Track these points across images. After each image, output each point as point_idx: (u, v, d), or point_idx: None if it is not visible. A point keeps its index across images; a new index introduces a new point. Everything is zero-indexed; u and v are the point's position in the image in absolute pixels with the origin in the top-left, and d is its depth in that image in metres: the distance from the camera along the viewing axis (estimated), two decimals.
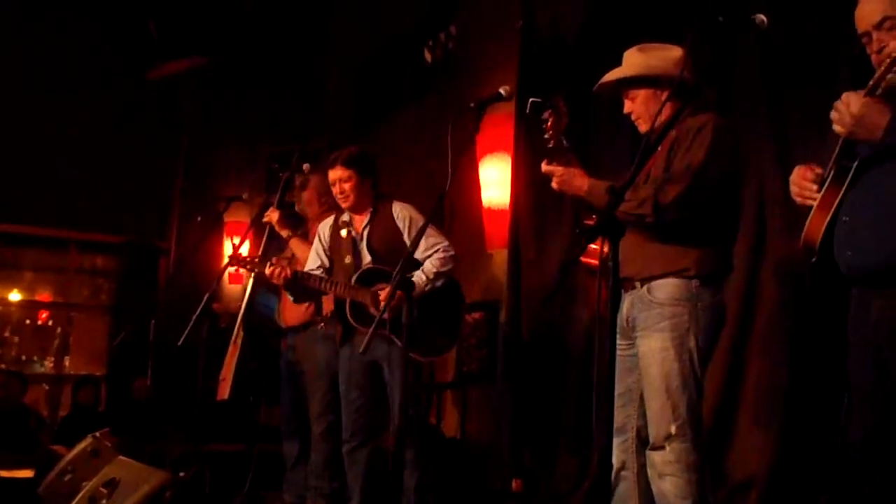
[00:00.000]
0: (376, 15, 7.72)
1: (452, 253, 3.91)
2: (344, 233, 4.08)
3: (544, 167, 2.85)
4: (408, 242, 3.92)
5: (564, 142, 2.84)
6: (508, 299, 5.46)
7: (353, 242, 4.04)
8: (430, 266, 3.87)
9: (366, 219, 4.04)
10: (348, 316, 3.90)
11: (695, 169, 2.67)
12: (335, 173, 3.99)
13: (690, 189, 2.65)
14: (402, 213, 4.00)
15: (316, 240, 4.20)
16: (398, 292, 3.73)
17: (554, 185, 2.83)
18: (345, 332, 3.97)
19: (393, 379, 3.83)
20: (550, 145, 2.85)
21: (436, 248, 3.90)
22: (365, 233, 4.02)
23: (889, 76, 2.10)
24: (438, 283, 3.87)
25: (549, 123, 2.85)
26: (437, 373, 6.15)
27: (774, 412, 3.75)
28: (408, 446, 3.78)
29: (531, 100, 2.90)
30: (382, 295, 3.82)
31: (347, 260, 4.03)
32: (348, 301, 3.90)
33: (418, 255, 3.89)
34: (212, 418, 4.60)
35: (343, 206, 4.04)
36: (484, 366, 5.78)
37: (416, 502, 3.82)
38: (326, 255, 4.13)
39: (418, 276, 3.83)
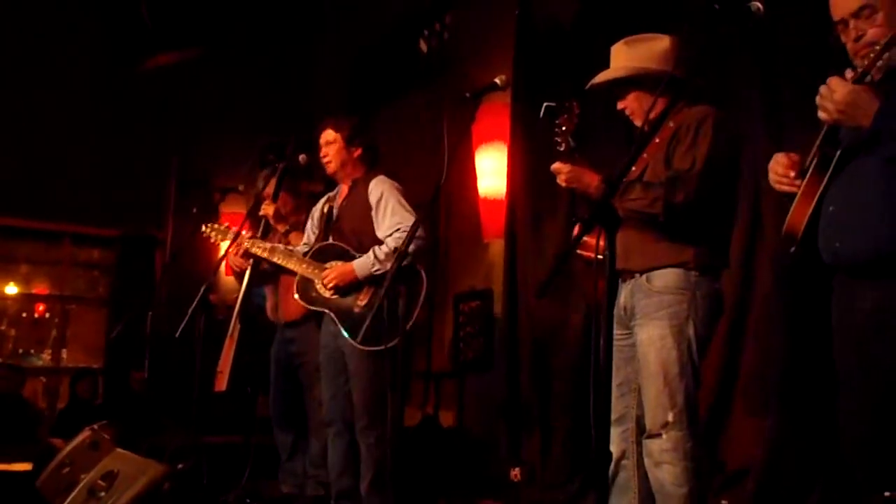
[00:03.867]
0: (372, 5, 7.69)
1: (414, 233, 3.31)
2: (326, 208, 4.02)
3: (553, 166, 2.84)
4: (375, 220, 3.78)
5: (572, 141, 2.83)
6: (505, 288, 5.47)
7: (329, 217, 3.96)
8: (383, 247, 3.70)
9: (346, 193, 3.96)
10: (295, 290, 3.84)
11: (700, 167, 2.69)
12: (323, 136, 3.92)
13: (699, 189, 2.67)
14: (375, 189, 3.82)
15: (310, 216, 4.16)
16: (345, 272, 3.68)
17: (562, 182, 2.82)
18: (315, 315, 3.89)
19: (352, 369, 3.74)
20: (561, 149, 2.84)
21: (397, 228, 3.71)
22: (341, 207, 3.94)
23: (879, 63, 2.10)
24: (390, 265, 3.55)
25: (563, 128, 2.84)
26: (434, 362, 6.16)
27: (770, 399, 3.77)
28: (364, 440, 3.67)
29: (546, 104, 2.89)
30: (326, 273, 3.75)
31: (316, 233, 3.98)
32: (298, 276, 3.84)
33: (380, 233, 3.77)
34: (209, 410, 4.60)
35: (327, 171, 3.97)
36: (480, 355, 5.80)
37: (369, 500, 3.66)
38: (313, 231, 4.06)
39: (366, 258, 3.70)
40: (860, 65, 2.17)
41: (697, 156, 2.70)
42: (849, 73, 2.18)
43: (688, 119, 2.77)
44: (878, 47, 2.09)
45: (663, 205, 2.67)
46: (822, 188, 2.28)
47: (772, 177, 2.42)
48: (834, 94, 2.13)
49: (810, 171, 2.31)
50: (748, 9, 2.23)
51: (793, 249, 2.36)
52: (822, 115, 2.18)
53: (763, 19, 2.24)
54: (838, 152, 2.26)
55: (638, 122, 2.93)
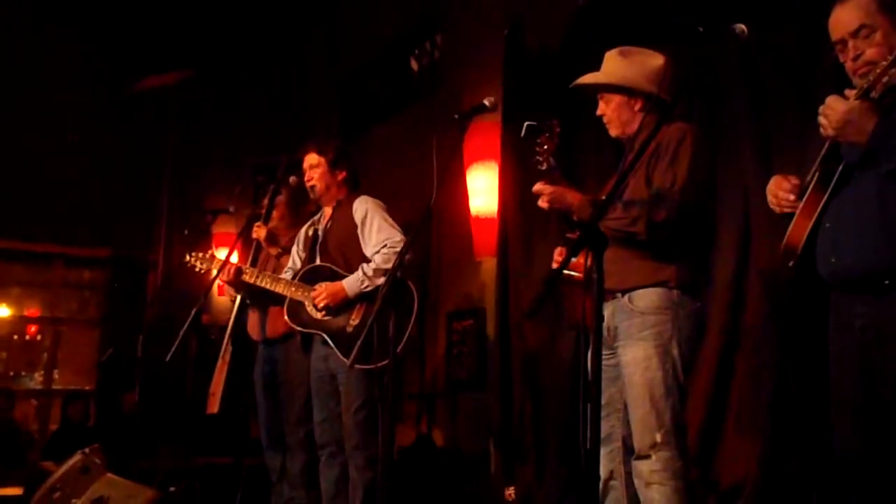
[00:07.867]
0: (362, 25, 7.73)
1: (405, 253, 3.22)
2: (311, 231, 4.02)
3: (535, 187, 2.83)
4: (362, 238, 3.80)
5: (552, 160, 2.84)
6: (497, 307, 5.47)
7: (315, 239, 3.96)
8: (371, 263, 3.70)
9: (330, 215, 3.97)
10: (285, 315, 3.81)
11: (681, 186, 2.68)
12: (307, 160, 3.95)
13: (680, 207, 2.66)
14: (360, 208, 3.83)
15: (296, 241, 4.15)
16: (335, 291, 3.66)
17: (544, 203, 2.81)
18: (303, 338, 3.87)
19: (343, 390, 3.71)
20: (542, 168, 2.85)
21: (384, 244, 3.72)
22: (326, 229, 3.95)
23: (885, 79, 2.12)
24: (379, 281, 3.58)
25: (543, 147, 2.86)
26: (427, 381, 6.15)
27: (762, 417, 3.77)
28: (354, 461, 3.63)
29: (527, 123, 2.89)
30: (316, 293, 3.73)
31: (302, 257, 3.98)
32: (287, 300, 3.81)
33: (368, 251, 3.77)
34: (201, 432, 4.58)
35: (311, 195, 3.99)
36: (473, 374, 5.79)
37: None
38: (300, 254, 4.05)
39: (355, 276, 3.70)
40: (859, 83, 2.19)
41: (678, 173, 2.70)
42: (849, 92, 2.20)
43: (666, 137, 2.76)
44: (884, 63, 2.10)
45: (646, 223, 2.66)
46: (822, 203, 2.29)
47: (771, 199, 2.43)
48: (832, 110, 2.16)
49: (811, 186, 2.32)
50: (732, 31, 2.26)
51: (791, 264, 2.37)
52: (822, 130, 2.21)
53: (748, 41, 2.27)
54: (840, 168, 2.27)
55: (613, 133, 2.96)
